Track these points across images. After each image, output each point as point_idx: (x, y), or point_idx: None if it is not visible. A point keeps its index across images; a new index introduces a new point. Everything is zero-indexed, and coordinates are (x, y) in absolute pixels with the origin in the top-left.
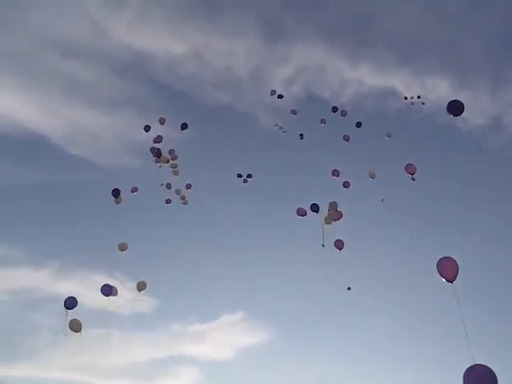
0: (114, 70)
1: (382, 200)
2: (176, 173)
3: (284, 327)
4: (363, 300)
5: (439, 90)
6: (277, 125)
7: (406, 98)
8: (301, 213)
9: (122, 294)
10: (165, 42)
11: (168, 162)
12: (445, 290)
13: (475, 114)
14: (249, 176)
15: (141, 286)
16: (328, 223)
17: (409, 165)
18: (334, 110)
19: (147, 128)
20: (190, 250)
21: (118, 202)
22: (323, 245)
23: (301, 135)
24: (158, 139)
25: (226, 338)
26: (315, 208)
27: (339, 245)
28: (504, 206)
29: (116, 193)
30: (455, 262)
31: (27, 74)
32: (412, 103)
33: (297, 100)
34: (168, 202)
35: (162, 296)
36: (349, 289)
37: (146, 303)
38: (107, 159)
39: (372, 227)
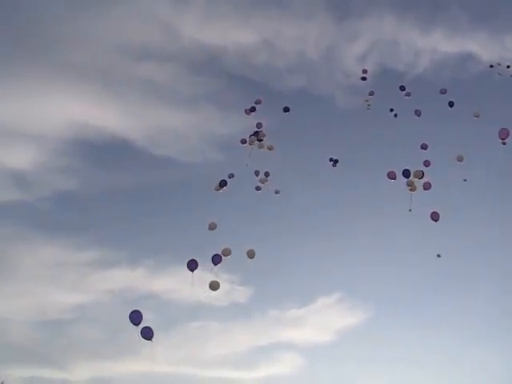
0: (188, 68)
1: (465, 180)
2: (270, 148)
3: (381, 305)
4: (462, 271)
5: None
6: (367, 100)
7: (491, 66)
8: (391, 176)
9: None
10: (234, 33)
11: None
12: None
13: None
14: (336, 161)
15: (251, 254)
16: (413, 190)
17: (502, 129)
18: (402, 88)
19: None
20: (280, 236)
21: (218, 190)
22: (410, 209)
23: (391, 110)
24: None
25: (324, 320)
26: (407, 174)
27: (435, 216)
28: None
29: (223, 183)
30: None
31: (105, 82)
32: (499, 73)
33: (371, 76)
34: (258, 189)
35: (256, 284)
36: (438, 256)
37: (241, 293)
38: (192, 156)
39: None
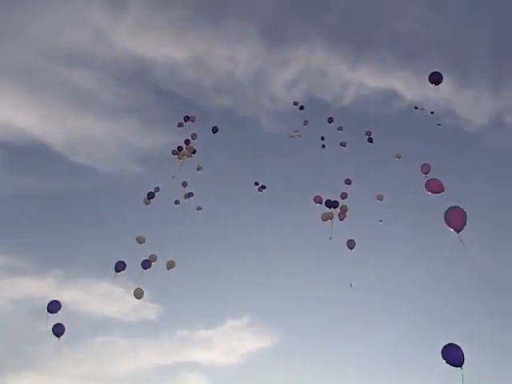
0: (117, 78)
1: (381, 220)
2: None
3: (290, 331)
4: (372, 302)
5: (441, 90)
6: (297, 131)
7: (416, 108)
8: (317, 200)
9: (126, 301)
10: (167, 48)
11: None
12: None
13: (477, 114)
14: (263, 187)
15: (170, 264)
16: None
17: (424, 165)
18: (330, 120)
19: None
20: (194, 256)
21: (147, 203)
22: (330, 238)
23: (322, 138)
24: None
25: (232, 343)
26: (329, 204)
27: (350, 244)
28: (505, 204)
29: (151, 195)
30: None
31: (29, 84)
32: (424, 115)
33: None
34: (177, 203)
35: (167, 302)
36: (351, 285)
37: (150, 310)
38: (110, 167)
39: (377, 228)
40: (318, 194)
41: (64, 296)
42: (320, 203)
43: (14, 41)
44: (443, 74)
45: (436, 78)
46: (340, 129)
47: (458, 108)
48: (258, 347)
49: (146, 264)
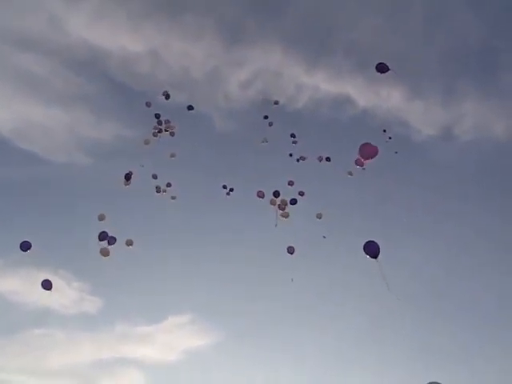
0: (70, 65)
1: (324, 237)
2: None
3: (232, 330)
4: (313, 301)
5: (392, 99)
6: (264, 140)
7: (384, 131)
8: (259, 195)
9: (66, 293)
10: (122, 39)
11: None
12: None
13: (427, 125)
14: (231, 190)
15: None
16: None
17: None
18: (293, 136)
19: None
20: (138, 251)
21: (126, 185)
22: (276, 225)
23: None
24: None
25: (172, 340)
26: (276, 194)
27: (291, 250)
28: (455, 216)
29: (128, 176)
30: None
31: None
32: (390, 137)
33: (252, 103)
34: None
35: (108, 296)
36: (292, 280)
37: (91, 303)
38: (58, 156)
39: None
40: (260, 190)
41: (2, 285)
42: (262, 197)
43: None
44: (395, 84)
45: (382, 68)
46: (270, 124)
47: (409, 117)
48: (198, 345)
49: (26, 245)
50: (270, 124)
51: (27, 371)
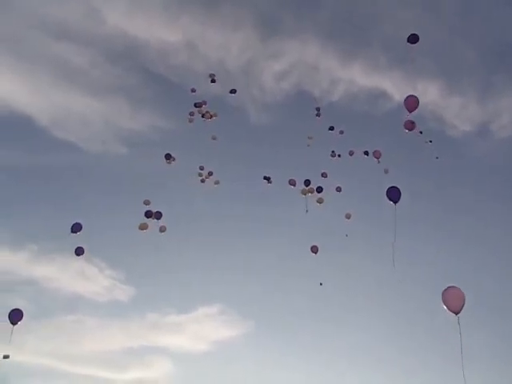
0: (107, 56)
1: (321, 284)
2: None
3: (261, 321)
4: (341, 295)
5: (429, 94)
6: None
7: (421, 133)
8: (291, 183)
9: (99, 281)
10: (159, 30)
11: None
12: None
13: (463, 121)
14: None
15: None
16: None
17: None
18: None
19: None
20: (170, 241)
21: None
22: (307, 211)
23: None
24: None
25: (201, 330)
26: (307, 183)
27: (314, 249)
28: (490, 212)
29: (168, 156)
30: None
31: (16, 54)
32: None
33: (287, 95)
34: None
35: (140, 285)
36: (321, 284)
37: (122, 291)
38: (94, 145)
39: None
40: (292, 178)
41: (37, 271)
42: (294, 186)
43: (3, 10)
44: (433, 79)
45: (414, 39)
46: (341, 132)
47: (445, 113)
48: (228, 336)
49: (80, 251)
50: (318, 114)
51: (58, 356)
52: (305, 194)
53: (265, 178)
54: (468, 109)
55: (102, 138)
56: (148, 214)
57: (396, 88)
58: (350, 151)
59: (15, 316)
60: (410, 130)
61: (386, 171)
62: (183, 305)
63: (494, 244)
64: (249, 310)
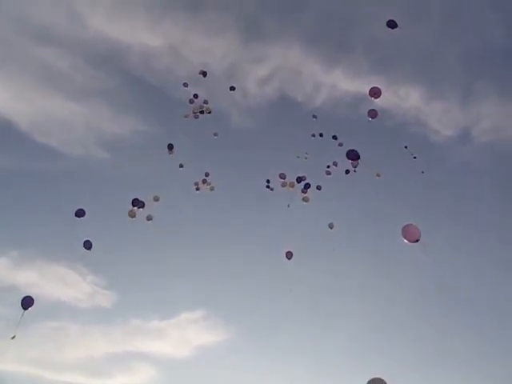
0: (89, 60)
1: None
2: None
3: (244, 327)
4: (324, 300)
5: (412, 99)
6: (306, 153)
7: (406, 147)
8: (282, 177)
9: (81, 286)
10: (142, 34)
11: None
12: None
13: (445, 126)
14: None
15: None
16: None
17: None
18: (334, 137)
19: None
20: (152, 246)
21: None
22: (288, 205)
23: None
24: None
25: (184, 335)
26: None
27: (289, 255)
28: (472, 216)
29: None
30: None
31: None
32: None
33: (270, 100)
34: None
35: (123, 291)
36: (290, 290)
37: (105, 297)
38: (75, 149)
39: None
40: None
41: (18, 277)
42: (284, 179)
43: None
44: (414, 84)
45: (392, 24)
46: (340, 145)
47: (427, 118)
48: (211, 341)
49: (88, 244)
50: (314, 116)
51: (41, 363)
52: (284, 186)
53: (267, 186)
54: (450, 114)
55: (83, 143)
56: (134, 203)
57: None
58: (334, 162)
59: (27, 302)
60: (373, 117)
61: (379, 175)
62: (166, 310)
63: (477, 247)
64: (232, 316)
